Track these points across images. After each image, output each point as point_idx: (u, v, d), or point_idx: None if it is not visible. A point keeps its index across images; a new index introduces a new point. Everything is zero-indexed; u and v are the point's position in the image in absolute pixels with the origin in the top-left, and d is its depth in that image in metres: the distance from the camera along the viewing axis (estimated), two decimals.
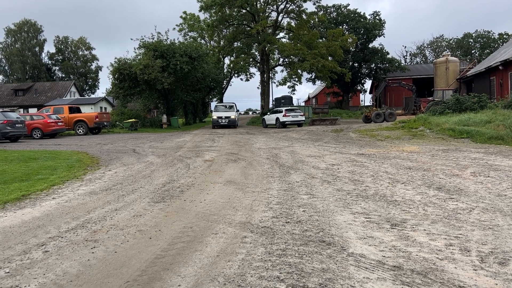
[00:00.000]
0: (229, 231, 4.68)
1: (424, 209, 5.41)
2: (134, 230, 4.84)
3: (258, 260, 3.71)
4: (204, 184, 7.83)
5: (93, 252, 4.10)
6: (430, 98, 36.97)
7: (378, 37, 53.18)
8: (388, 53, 52.75)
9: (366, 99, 75.38)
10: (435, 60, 45.85)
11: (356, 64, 54.19)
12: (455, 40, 72.57)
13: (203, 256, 3.88)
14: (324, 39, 44.52)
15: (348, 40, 44.06)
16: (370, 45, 52.96)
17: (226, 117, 31.40)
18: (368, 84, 62.08)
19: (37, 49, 71.59)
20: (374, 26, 51.74)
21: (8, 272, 3.65)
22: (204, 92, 46.08)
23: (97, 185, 8.05)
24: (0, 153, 13.79)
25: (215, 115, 32.20)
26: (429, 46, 77.65)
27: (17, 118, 22.13)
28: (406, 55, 78.08)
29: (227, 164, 10.68)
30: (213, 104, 54.02)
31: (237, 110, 33.80)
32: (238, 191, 7.00)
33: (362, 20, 51.98)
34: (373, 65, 53.15)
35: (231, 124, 31.40)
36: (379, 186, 7.03)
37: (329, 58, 41.84)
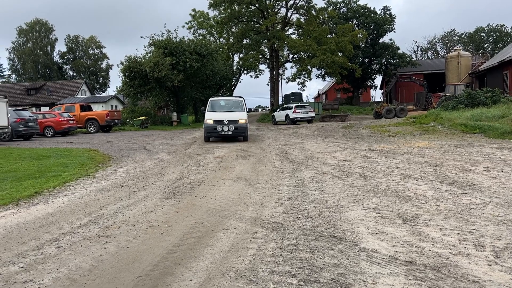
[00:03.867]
0: (240, 226, 4.68)
1: (437, 205, 5.35)
2: (145, 225, 4.86)
3: (270, 255, 3.70)
4: (215, 180, 7.84)
5: (105, 248, 4.13)
6: (442, 93, 36.59)
7: (388, 32, 52.65)
8: (398, 48, 52.23)
9: (377, 95, 74.60)
10: (446, 55, 45.31)
11: (367, 59, 53.75)
12: (467, 34, 71.60)
13: (214, 251, 3.88)
14: (333, 34, 44.20)
15: (358, 35, 43.76)
16: (381, 41, 52.47)
17: (230, 122, 16.25)
18: (378, 79, 61.72)
19: (48, 48, 72.23)
20: (385, 21, 51.23)
21: (22, 267, 3.70)
22: (213, 89, 46.16)
23: (109, 182, 8.11)
24: (13, 151, 13.96)
25: (210, 117, 16.62)
26: (440, 41, 76.78)
27: (29, 116, 22.39)
28: (417, 50, 77.36)
29: (237, 160, 10.68)
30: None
31: (248, 111, 19.04)
32: (248, 187, 7.00)
33: (372, 15, 51.50)
34: (384, 60, 52.70)
35: (239, 134, 16.56)
36: (390, 182, 6.97)
37: (339, 54, 41.58)
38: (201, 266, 3.53)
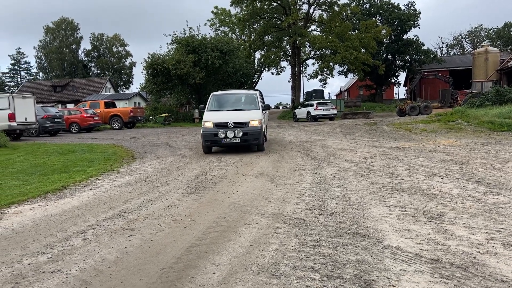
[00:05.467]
0: (262, 221, 4.69)
1: (463, 203, 5.23)
2: (169, 219, 4.93)
3: (292, 251, 3.69)
4: (236, 176, 7.87)
5: (130, 240, 4.20)
6: (468, 90, 35.65)
7: (413, 28, 51.67)
8: (423, 45, 51.16)
9: (400, 92, 73.30)
10: (473, 51, 44.10)
11: (390, 56, 52.90)
12: (495, 30, 69.53)
13: (237, 246, 3.90)
14: (356, 31, 43.65)
15: (382, 31, 43.05)
16: (405, 37, 51.53)
17: (237, 125, 11.34)
18: (402, 76, 60.53)
19: (74, 46, 73.80)
20: (409, 17, 50.28)
21: (51, 258, 3.80)
22: (235, 86, 46.21)
23: (133, 177, 8.24)
24: (40, 147, 14.35)
25: (209, 119, 11.73)
26: (467, 37, 74.82)
27: (56, 113, 22.97)
28: (443, 46, 75.64)
29: (258, 157, 10.69)
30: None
31: (266, 107, 13.59)
32: (270, 183, 7.00)
33: (396, 11, 50.61)
34: (408, 57, 51.74)
35: (251, 142, 11.57)
36: (414, 179, 6.85)
37: (362, 50, 41.02)
38: (223, 260, 3.55)
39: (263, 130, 11.89)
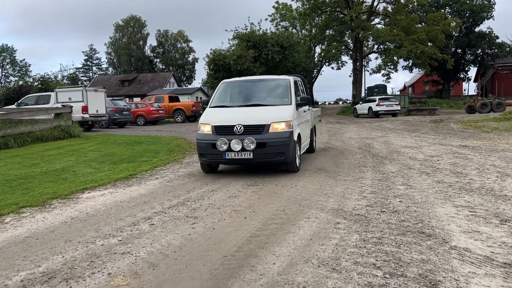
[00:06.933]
0: (321, 216, 4.66)
1: None
2: (230, 209, 5.05)
3: (353, 246, 3.65)
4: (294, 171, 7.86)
5: (193, 227, 4.36)
6: None
7: (486, 20, 48.38)
8: (497, 37, 47.82)
9: (470, 88, 69.04)
10: None
11: (460, 50, 50.00)
12: None
13: (296, 238, 3.91)
14: (423, 23, 41.69)
15: (451, 24, 40.77)
16: (477, 29, 48.44)
17: (248, 130, 7.10)
18: (472, 71, 56.99)
19: (141, 42, 77.23)
20: (482, 8, 47.13)
21: (121, 240, 4.05)
22: None
23: (195, 168, 8.52)
24: (110, 137, 15.24)
25: (207, 120, 7.63)
26: None
27: (124, 106, 24.27)
28: None
29: (317, 152, 10.60)
30: None
31: (303, 102, 8.41)
32: (329, 179, 6.93)
33: (468, 2, 47.64)
34: (479, 50, 48.62)
35: (273, 156, 7.07)
36: (485, 180, 6.45)
37: (429, 44, 39.11)
38: (283, 251, 3.58)
39: (295, 138, 7.27)
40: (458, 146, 11.06)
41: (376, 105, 28.74)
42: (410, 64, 50.95)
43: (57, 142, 13.29)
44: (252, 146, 6.90)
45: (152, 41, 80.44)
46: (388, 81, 46.67)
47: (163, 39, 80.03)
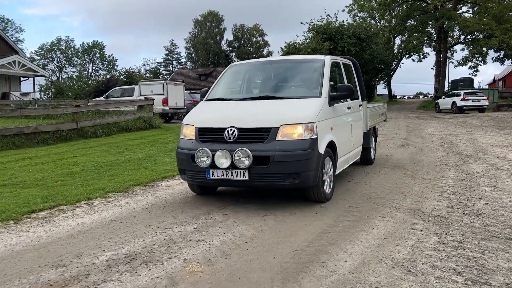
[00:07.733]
0: (397, 215, 4.48)
1: None
2: (300, 203, 5.03)
3: (430, 249, 3.46)
4: (369, 167, 7.63)
5: (264, 220, 4.42)
6: None
7: None
8: None
9: None
10: None
11: None
12: None
13: (370, 237, 3.80)
14: None
15: None
16: None
17: (242, 135, 4.72)
18: None
19: (218, 37, 79.45)
20: None
21: (196, 228, 4.23)
22: (371, 74, 44.49)
23: None
24: None
25: (194, 118, 5.46)
26: None
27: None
28: None
29: (394, 148, 10.18)
30: (379, 88, 48.68)
31: (344, 93, 5.53)
32: (406, 177, 6.62)
33: None
34: None
35: (279, 179, 4.59)
36: None
37: None
38: (355, 249, 3.50)
39: (321, 150, 4.86)
40: None
41: (461, 99, 26.85)
42: (501, 56, 46.67)
43: (139, 132, 14.17)
44: (247, 162, 4.51)
45: (228, 36, 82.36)
46: (475, 74, 43.16)
47: (239, 33, 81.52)
